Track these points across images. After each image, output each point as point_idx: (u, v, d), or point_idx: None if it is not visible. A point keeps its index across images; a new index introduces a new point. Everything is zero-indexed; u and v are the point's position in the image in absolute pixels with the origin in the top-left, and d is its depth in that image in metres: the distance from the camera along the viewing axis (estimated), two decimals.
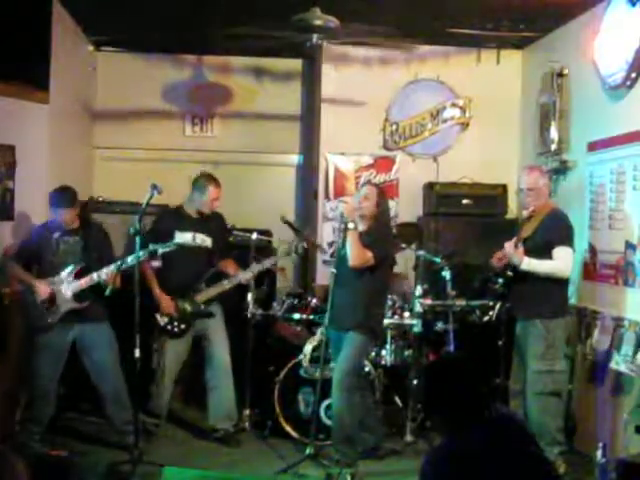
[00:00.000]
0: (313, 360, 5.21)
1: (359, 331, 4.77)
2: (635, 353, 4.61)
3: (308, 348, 5.29)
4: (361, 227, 4.81)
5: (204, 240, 5.34)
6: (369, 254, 4.70)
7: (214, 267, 5.39)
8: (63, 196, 4.93)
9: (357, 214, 4.79)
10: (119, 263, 4.75)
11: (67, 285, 4.84)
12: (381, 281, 4.93)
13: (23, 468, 1.95)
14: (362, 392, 4.98)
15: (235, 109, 7.32)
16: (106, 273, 4.78)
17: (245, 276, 5.35)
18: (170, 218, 5.37)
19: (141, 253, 4.73)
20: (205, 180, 5.34)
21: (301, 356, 5.31)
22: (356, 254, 4.70)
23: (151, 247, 4.84)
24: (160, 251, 4.89)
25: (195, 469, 4.69)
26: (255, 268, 5.38)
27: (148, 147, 7.15)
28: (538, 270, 4.68)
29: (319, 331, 5.24)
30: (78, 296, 4.86)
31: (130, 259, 4.75)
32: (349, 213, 4.75)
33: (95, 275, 4.81)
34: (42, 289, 4.84)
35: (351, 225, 4.71)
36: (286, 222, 5.65)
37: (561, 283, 4.77)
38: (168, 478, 4.45)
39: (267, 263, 5.45)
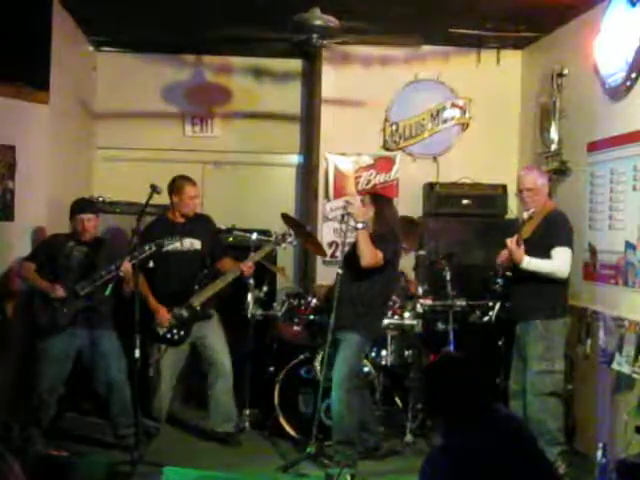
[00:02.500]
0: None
1: (356, 331, 4.80)
2: (637, 354, 4.61)
3: (318, 358, 5.26)
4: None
5: (192, 243, 5.34)
6: (380, 254, 4.74)
7: (207, 269, 5.39)
8: (89, 202, 5.23)
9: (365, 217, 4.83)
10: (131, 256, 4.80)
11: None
12: (385, 282, 4.94)
13: (19, 469, 1.95)
14: (361, 392, 4.99)
15: (235, 109, 7.32)
16: (114, 269, 4.85)
17: (236, 272, 5.33)
18: (154, 230, 5.30)
19: (147, 247, 4.84)
20: (180, 181, 5.35)
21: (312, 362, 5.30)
22: (368, 254, 4.73)
23: (157, 241, 4.92)
24: (166, 245, 4.98)
25: (195, 469, 4.68)
26: (248, 262, 5.35)
27: (148, 147, 7.15)
28: (537, 269, 4.67)
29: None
30: (87, 297, 4.89)
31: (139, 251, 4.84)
32: (357, 213, 4.80)
33: (109, 271, 4.86)
34: (58, 288, 4.86)
35: (361, 225, 4.74)
36: (286, 217, 5.62)
37: (560, 283, 4.76)
38: (168, 478, 4.45)
39: (257, 256, 5.41)
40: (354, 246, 4.87)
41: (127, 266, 4.81)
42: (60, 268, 4.97)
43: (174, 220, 5.37)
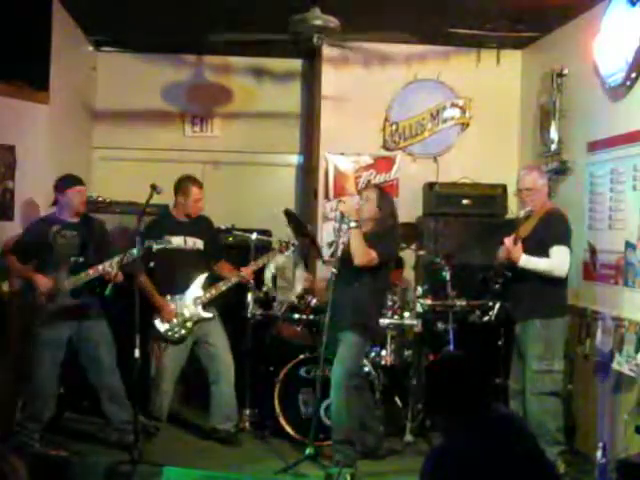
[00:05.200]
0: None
1: (355, 331, 4.78)
2: (637, 354, 4.61)
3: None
4: (364, 228, 4.82)
5: (195, 242, 5.36)
6: (373, 253, 4.72)
7: (210, 270, 5.40)
8: (73, 176, 5.04)
9: (358, 216, 4.80)
10: (118, 258, 4.77)
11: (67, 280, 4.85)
12: (382, 281, 4.94)
13: (22, 468, 1.95)
14: (361, 392, 4.98)
15: (235, 109, 7.33)
16: (103, 268, 4.79)
17: (239, 276, 5.36)
18: (159, 225, 5.35)
19: (135, 250, 4.79)
20: (187, 182, 5.38)
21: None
22: (360, 253, 4.71)
23: (147, 243, 4.88)
24: (155, 247, 4.95)
25: (195, 469, 4.68)
26: (250, 268, 5.39)
27: (148, 147, 7.16)
28: (535, 268, 4.68)
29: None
30: (74, 291, 4.87)
31: (128, 254, 4.77)
32: (349, 212, 4.77)
33: (96, 269, 4.81)
34: (43, 282, 4.81)
35: (353, 224, 4.73)
36: (289, 214, 5.61)
37: (559, 283, 4.77)
38: (168, 478, 4.45)
39: (260, 262, 5.46)
40: (349, 246, 4.85)
41: (114, 273, 4.78)
42: (45, 259, 4.88)
43: (178, 218, 5.39)
